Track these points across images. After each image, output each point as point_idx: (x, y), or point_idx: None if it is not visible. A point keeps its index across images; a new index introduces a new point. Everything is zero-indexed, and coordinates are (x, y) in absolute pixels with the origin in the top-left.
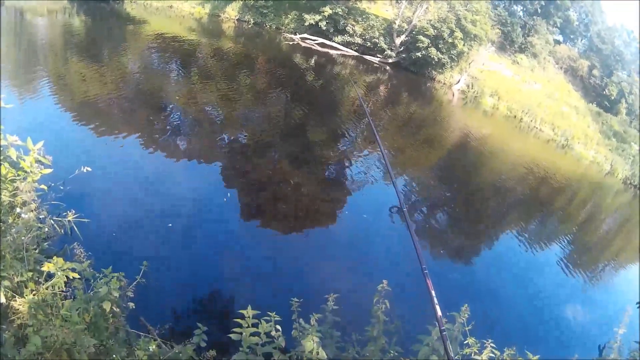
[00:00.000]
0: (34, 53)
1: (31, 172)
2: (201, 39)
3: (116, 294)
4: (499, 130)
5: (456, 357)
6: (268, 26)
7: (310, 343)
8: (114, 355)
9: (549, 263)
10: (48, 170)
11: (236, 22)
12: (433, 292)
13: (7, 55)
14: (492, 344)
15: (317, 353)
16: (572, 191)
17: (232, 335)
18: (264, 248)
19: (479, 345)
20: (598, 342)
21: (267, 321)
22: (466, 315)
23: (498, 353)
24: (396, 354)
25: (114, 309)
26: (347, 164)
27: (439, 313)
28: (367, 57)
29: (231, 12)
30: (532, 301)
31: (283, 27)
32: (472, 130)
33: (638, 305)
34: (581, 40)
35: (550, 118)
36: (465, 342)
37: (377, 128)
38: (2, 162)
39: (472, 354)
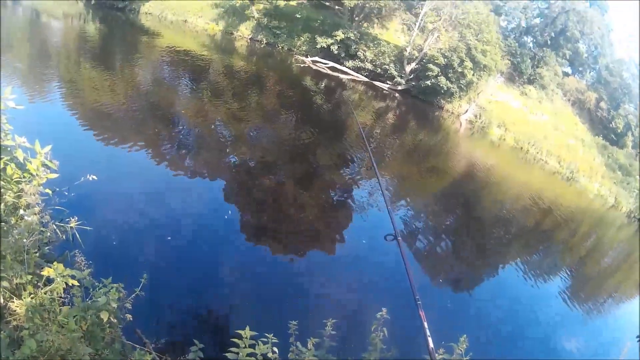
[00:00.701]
0: (48, 56)
1: (37, 175)
2: (213, 55)
3: (114, 305)
4: (504, 161)
5: None
6: (280, 47)
7: None
8: None
9: (549, 295)
10: (54, 175)
11: (249, 41)
12: (426, 324)
13: (21, 55)
14: None
15: None
16: (576, 224)
17: (228, 355)
18: (264, 268)
19: None
20: None
21: (265, 342)
22: (464, 346)
23: None
24: None
25: (112, 319)
26: (351, 189)
27: (431, 345)
28: (377, 83)
29: (244, 30)
30: (531, 332)
31: (295, 49)
32: (478, 161)
33: (638, 339)
34: (589, 72)
35: (557, 150)
36: None
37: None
38: (8, 163)
39: None
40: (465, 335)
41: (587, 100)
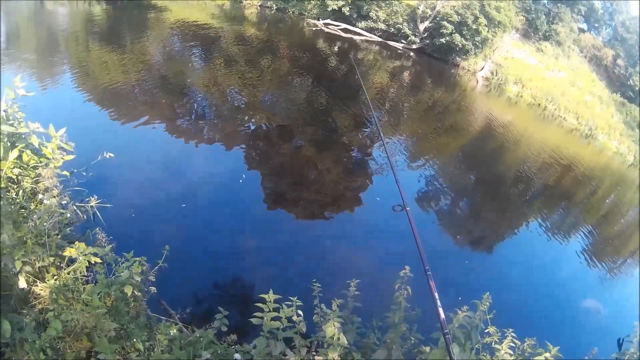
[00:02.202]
0: (56, 42)
1: (53, 158)
2: (224, 25)
3: (138, 278)
4: (522, 117)
5: (477, 346)
6: (291, 12)
7: (332, 328)
8: (135, 339)
9: (570, 254)
10: (70, 157)
11: (259, 7)
12: (436, 294)
13: (29, 46)
14: (512, 334)
15: (338, 339)
16: (595, 182)
17: (253, 320)
18: (285, 233)
19: (499, 334)
20: (617, 335)
21: (289, 306)
22: (487, 303)
23: (518, 343)
24: (417, 341)
25: (136, 293)
26: (370, 150)
27: (442, 316)
28: (391, 43)
29: None
30: (552, 292)
31: (306, 13)
32: (495, 118)
33: None
34: (605, 29)
35: (574, 107)
36: (486, 331)
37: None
38: (24, 150)
39: (493, 343)
40: (488, 293)
41: (604, 57)
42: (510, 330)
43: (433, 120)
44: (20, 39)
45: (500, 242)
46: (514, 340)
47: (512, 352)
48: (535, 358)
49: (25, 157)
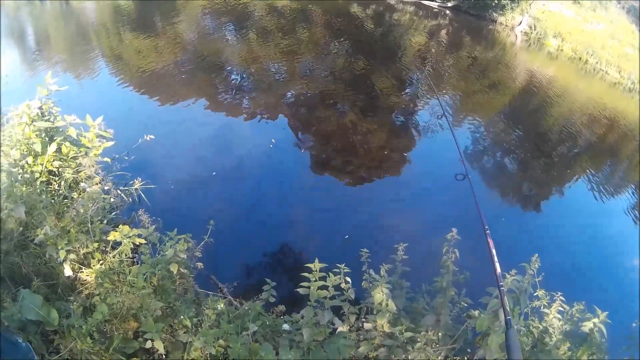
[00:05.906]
0: (88, 37)
1: (93, 147)
2: None
3: (183, 256)
4: (564, 72)
5: (525, 310)
6: None
7: (380, 295)
8: (182, 316)
9: (619, 212)
10: (110, 143)
11: None
12: (494, 251)
13: (61, 45)
14: (561, 297)
15: (387, 304)
16: None
17: (300, 290)
18: (332, 199)
19: (548, 298)
20: None
21: (336, 274)
22: (536, 266)
23: (567, 307)
24: (465, 305)
25: (182, 270)
26: (413, 112)
27: (498, 270)
28: (426, 2)
29: None
30: (601, 252)
31: None
32: (537, 73)
33: None
34: None
35: (615, 60)
36: (535, 295)
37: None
38: (62, 143)
39: (542, 307)
40: (536, 255)
41: None
42: (559, 293)
43: (475, 77)
44: (51, 40)
45: (546, 201)
46: (562, 305)
47: (560, 317)
48: (584, 324)
49: (64, 149)
